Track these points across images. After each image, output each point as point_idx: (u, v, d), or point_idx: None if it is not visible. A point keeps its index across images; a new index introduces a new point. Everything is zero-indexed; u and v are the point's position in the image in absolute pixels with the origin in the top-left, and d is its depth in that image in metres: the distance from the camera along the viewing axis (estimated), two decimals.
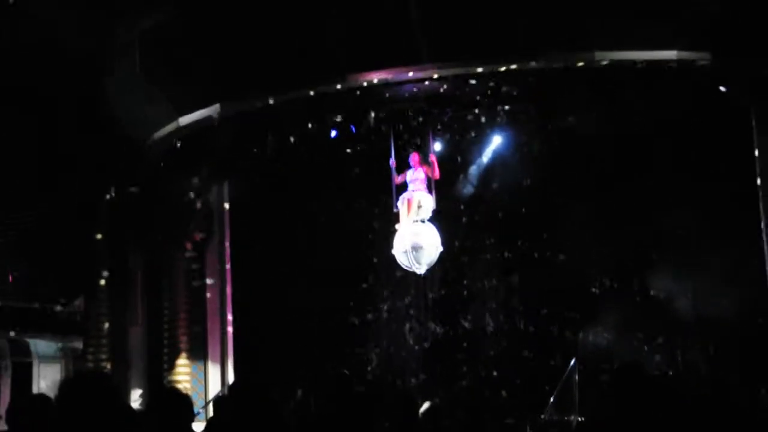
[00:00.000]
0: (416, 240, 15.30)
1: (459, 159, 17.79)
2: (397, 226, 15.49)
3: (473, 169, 17.96)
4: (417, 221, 15.45)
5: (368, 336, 18.39)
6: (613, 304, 16.65)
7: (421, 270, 15.50)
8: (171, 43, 15.07)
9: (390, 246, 15.59)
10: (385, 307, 18.34)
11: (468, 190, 18.02)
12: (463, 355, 17.98)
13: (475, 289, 18.15)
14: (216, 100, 15.13)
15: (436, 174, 15.62)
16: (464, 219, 18.08)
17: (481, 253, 18.09)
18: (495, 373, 17.66)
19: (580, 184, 16.81)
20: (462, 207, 18.07)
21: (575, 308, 17.03)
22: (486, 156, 17.74)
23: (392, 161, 15.66)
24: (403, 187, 15.66)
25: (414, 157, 15.76)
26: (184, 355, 17.28)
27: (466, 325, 18.12)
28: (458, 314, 18.22)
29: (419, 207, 15.44)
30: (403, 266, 15.57)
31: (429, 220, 15.52)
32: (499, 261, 17.99)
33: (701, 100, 14.75)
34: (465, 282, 18.19)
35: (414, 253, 15.25)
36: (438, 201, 15.64)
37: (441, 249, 15.47)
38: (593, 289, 17.15)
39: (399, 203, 15.55)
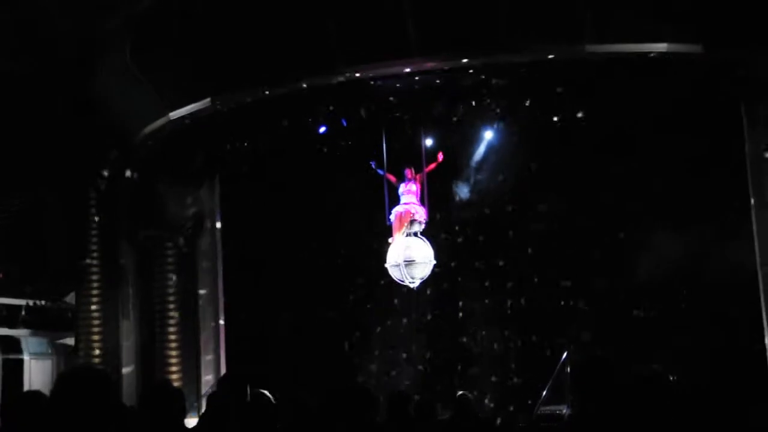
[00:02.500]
0: (409, 254, 15.28)
1: (452, 156, 17.62)
2: (390, 240, 15.47)
3: (468, 168, 17.77)
4: (410, 234, 15.45)
5: (359, 330, 18.32)
6: (604, 300, 16.64)
7: (414, 284, 15.49)
8: (161, 35, 15.03)
9: (383, 255, 15.55)
10: (376, 308, 18.15)
11: (463, 190, 17.84)
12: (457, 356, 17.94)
13: (468, 295, 18.02)
14: (207, 94, 15.09)
15: (435, 164, 15.62)
16: (457, 227, 17.93)
17: (474, 263, 17.96)
18: (489, 366, 17.65)
19: (570, 181, 16.77)
20: (453, 215, 17.93)
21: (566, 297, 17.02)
22: (478, 154, 17.57)
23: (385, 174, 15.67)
24: (396, 200, 15.63)
25: (408, 171, 15.70)
26: (176, 349, 17.26)
27: (463, 339, 18.03)
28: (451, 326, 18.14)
29: (412, 221, 15.42)
30: (396, 280, 15.56)
31: (422, 234, 15.52)
32: (493, 271, 17.90)
33: (692, 93, 14.76)
34: (459, 291, 18.06)
35: (407, 267, 15.26)
36: (431, 210, 15.59)
37: (434, 262, 15.46)
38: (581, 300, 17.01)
39: (392, 217, 15.51)
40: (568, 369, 15.47)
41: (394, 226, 15.43)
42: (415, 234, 15.46)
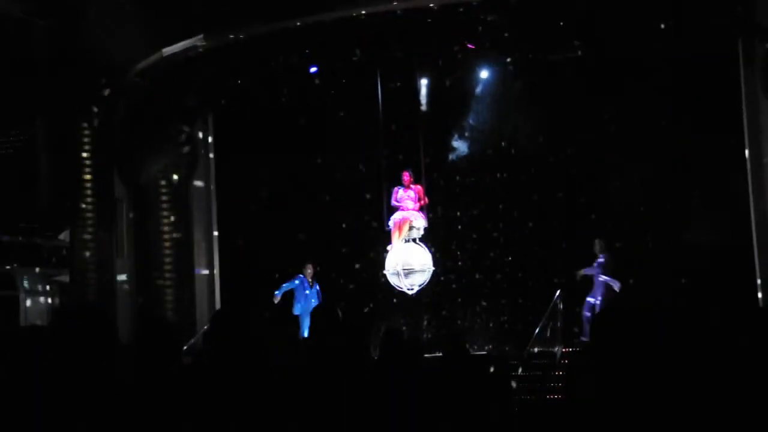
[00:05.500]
0: (407, 262, 15.22)
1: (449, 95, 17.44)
2: (388, 247, 15.40)
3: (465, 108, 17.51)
4: (409, 241, 15.38)
5: (356, 261, 18.21)
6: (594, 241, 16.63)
7: (412, 291, 15.46)
8: None
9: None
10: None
11: (461, 147, 17.62)
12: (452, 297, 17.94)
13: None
14: (200, 30, 14.95)
15: (425, 200, 15.55)
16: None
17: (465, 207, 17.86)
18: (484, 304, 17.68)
19: (562, 118, 16.64)
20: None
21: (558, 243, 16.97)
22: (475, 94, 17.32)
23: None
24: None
25: (405, 176, 15.58)
26: (170, 287, 17.31)
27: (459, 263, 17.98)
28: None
29: (410, 228, 15.34)
30: (395, 287, 15.50)
31: (420, 240, 15.45)
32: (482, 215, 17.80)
33: (689, 30, 14.65)
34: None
35: (405, 276, 15.19)
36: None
37: (433, 269, 15.41)
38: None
39: (390, 223, 15.43)
40: (561, 306, 15.57)
41: (393, 233, 15.37)
42: (414, 240, 15.43)
